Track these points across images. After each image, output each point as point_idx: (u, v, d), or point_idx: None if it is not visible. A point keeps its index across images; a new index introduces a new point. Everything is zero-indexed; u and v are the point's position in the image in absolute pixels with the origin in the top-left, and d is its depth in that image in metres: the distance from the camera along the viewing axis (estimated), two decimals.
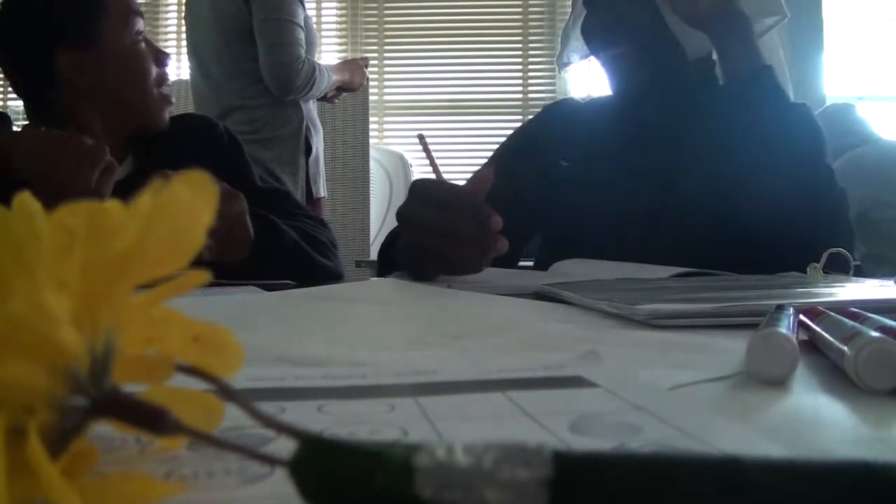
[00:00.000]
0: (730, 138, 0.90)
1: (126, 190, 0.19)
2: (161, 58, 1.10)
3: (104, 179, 0.87)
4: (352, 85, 2.24)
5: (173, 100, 1.13)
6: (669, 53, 0.99)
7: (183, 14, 2.19)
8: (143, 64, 1.07)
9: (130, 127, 1.07)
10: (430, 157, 0.82)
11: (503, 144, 1.21)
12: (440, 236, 0.72)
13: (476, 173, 1.08)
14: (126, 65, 1.05)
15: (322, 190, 2.19)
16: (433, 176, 0.79)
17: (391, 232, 1.00)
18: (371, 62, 3.55)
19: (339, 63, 2.27)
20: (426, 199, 0.74)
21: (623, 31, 0.99)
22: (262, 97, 1.97)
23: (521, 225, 0.89)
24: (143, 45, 1.08)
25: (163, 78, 1.10)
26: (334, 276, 1.05)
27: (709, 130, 0.95)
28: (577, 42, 1.12)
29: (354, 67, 2.24)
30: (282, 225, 0.99)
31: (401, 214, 0.77)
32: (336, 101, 2.27)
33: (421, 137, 0.85)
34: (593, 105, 1.17)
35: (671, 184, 0.98)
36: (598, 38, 1.03)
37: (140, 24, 1.07)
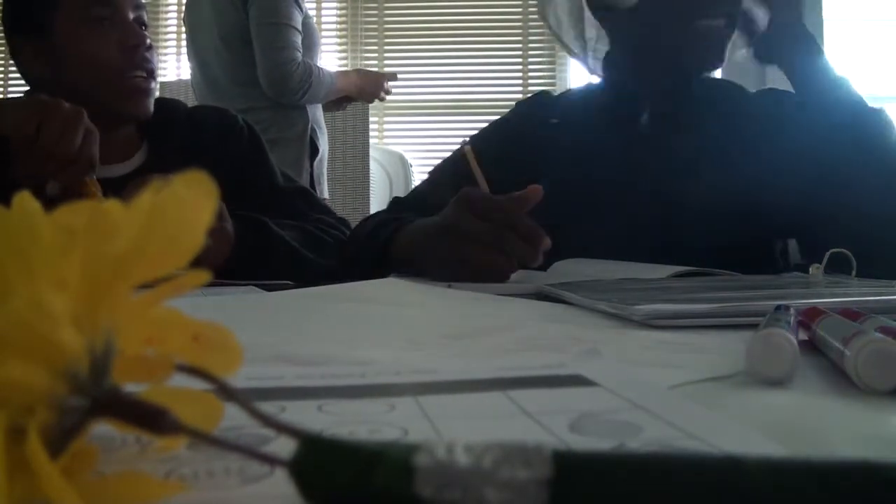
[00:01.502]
0: (798, 149, 0.90)
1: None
2: (129, 44, 1.01)
3: (88, 142, 0.85)
4: (360, 96, 2.24)
5: (154, 86, 1.06)
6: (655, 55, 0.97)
7: (183, 14, 2.18)
8: (100, 52, 1.00)
9: (107, 117, 0.99)
10: (476, 170, 0.82)
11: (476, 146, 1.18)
12: (487, 249, 0.73)
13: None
14: (80, 54, 0.99)
15: (325, 191, 2.20)
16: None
17: (383, 224, 0.97)
18: (371, 62, 3.56)
19: (354, 71, 2.28)
20: (478, 212, 0.75)
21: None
22: (267, 100, 1.99)
23: None
24: (102, 30, 1.00)
25: (133, 65, 1.01)
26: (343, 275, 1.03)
27: (740, 140, 0.95)
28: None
29: (371, 80, 2.23)
30: (273, 228, 0.98)
31: (450, 225, 0.77)
32: (339, 110, 2.28)
33: (467, 147, 0.83)
34: (572, 99, 1.13)
35: (675, 192, 0.96)
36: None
37: (102, 11, 1.00)
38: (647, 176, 0.98)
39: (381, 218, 1.01)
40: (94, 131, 0.87)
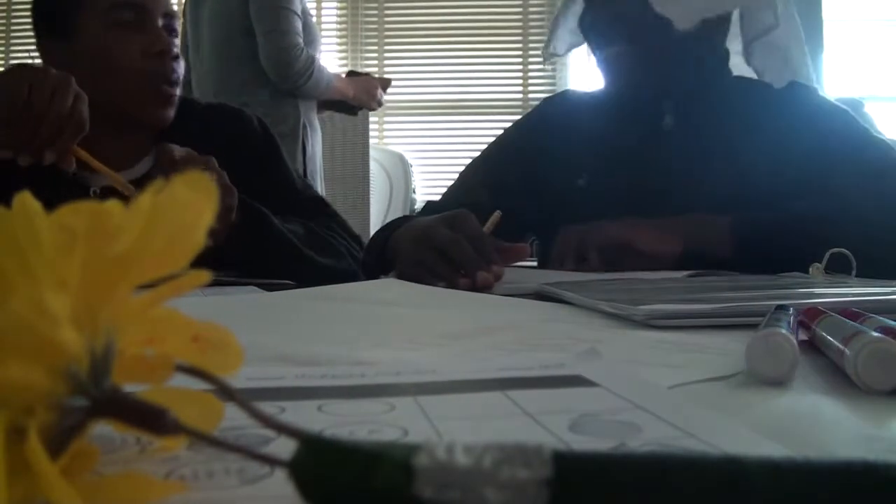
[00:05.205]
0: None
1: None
2: (154, 51, 0.99)
3: (78, 104, 0.84)
4: (357, 101, 2.24)
5: (177, 94, 1.03)
6: (675, 55, 0.97)
7: (183, 12, 2.18)
8: (122, 57, 0.97)
9: (125, 121, 1.00)
10: (487, 229, 0.83)
11: (492, 150, 1.17)
12: (447, 261, 0.74)
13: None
14: (102, 57, 0.97)
15: (320, 190, 2.21)
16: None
17: (384, 233, 0.99)
18: (371, 62, 3.56)
19: (350, 77, 2.28)
20: (459, 228, 0.76)
21: (622, 30, 0.97)
22: (260, 94, 1.99)
23: (512, 237, 0.89)
24: (127, 35, 0.98)
25: (157, 72, 0.99)
26: (344, 277, 1.03)
27: (738, 136, 0.95)
28: (564, 32, 1.10)
29: (366, 85, 2.23)
30: (273, 219, 0.97)
31: (423, 231, 0.79)
32: (324, 114, 2.27)
33: (497, 214, 0.85)
34: (597, 99, 1.12)
35: (692, 195, 0.96)
36: (595, 34, 1.01)
37: (127, 14, 0.98)
38: (665, 177, 0.98)
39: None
40: (83, 94, 0.86)
